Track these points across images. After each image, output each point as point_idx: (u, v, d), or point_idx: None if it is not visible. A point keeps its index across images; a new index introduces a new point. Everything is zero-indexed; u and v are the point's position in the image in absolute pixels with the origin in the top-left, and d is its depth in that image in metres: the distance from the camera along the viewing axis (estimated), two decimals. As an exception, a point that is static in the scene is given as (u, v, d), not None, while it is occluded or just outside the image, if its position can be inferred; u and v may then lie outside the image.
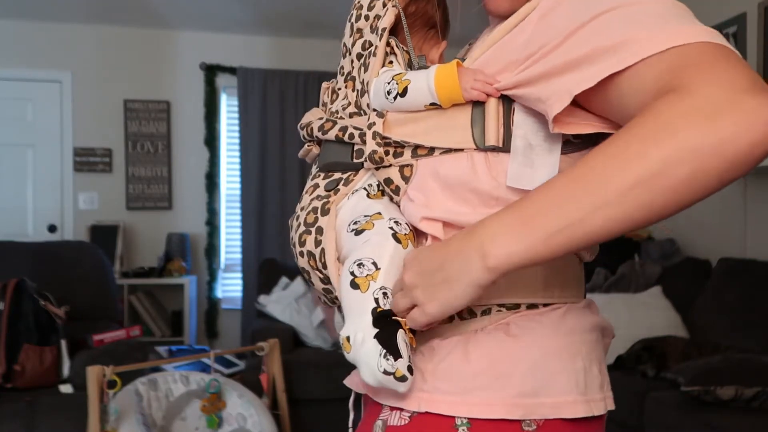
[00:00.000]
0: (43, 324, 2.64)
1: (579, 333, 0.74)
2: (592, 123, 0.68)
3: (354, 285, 0.71)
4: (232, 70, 4.63)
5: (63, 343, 2.67)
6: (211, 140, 4.62)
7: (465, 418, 0.69)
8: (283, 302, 3.57)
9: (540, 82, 0.67)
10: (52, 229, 4.44)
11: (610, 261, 3.39)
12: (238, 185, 4.68)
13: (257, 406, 2.47)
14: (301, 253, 0.81)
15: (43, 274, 2.99)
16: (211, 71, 4.63)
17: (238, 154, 4.69)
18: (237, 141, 4.71)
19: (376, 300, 0.69)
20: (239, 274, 4.67)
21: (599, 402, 0.74)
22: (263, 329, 3.28)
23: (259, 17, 4.38)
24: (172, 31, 4.61)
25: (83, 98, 4.48)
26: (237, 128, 4.68)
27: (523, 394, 0.69)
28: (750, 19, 3.04)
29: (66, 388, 2.58)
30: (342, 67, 0.88)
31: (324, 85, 0.92)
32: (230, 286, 4.77)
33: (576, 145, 0.72)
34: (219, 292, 4.69)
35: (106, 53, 4.51)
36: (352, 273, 0.72)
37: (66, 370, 2.64)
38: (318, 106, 0.93)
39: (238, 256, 4.71)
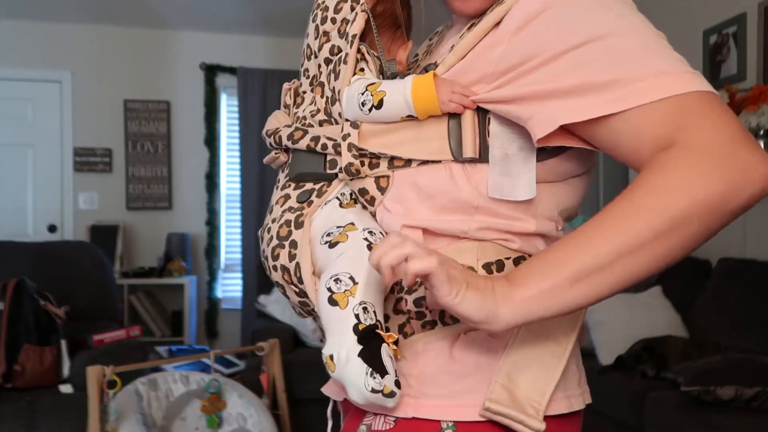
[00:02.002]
0: (43, 324, 2.64)
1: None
2: (573, 138, 0.69)
3: (332, 301, 0.69)
4: (232, 70, 4.63)
5: (63, 343, 2.67)
6: (211, 140, 4.62)
7: (451, 421, 0.69)
8: (283, 302, 3.56)
9: (521, 102, 0.67)
10: (52, 229, 4.44)
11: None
12: (238, 185, 4.68)
13: (257, 406, 2.46)
14: (275, 267, 0.78)
15: (43, 274, 2.99)
16: (211, 71, 4.63)
17: (238, 154, 4.69)
18: (237, 141, 4.71)
19: (357, 316, 0.67)
20: (239, 274, 4.67)
21: (578, 397, 0.75)
22: (263, 329, 3.28)
23: (259, 17, 4.38)
24: (172, 31, 4.61)
25: (83, 98, 4.48)
26: (237, 128, 4.68)
27: None
28: (750, 19, 3.04)
29: (66, 388, 2.58)
30: (307, 70, 0.85)
31: (285, 86, 0.88)
32: (230, 286, 4.77)
33: (549, 152, 0.72)
34: (219, 292, 4.69)
35: (106, 53, 4.51)
36: (329, 289, 0.69)
37: (66, 370, 2.64)
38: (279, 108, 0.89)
39: (238, 256, 4.71)
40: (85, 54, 4.48)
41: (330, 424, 0.87)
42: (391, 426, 0.71)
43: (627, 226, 0.61)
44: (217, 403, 2.42)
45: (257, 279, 4.11)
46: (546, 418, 0.70)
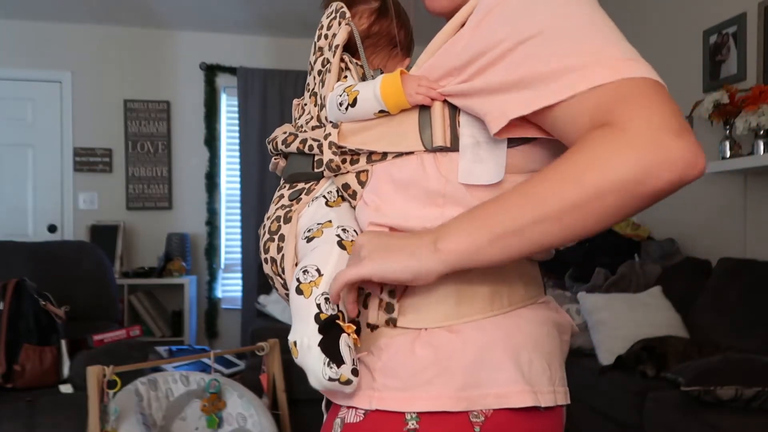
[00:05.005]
0: (43, 324, 2.64)
1: (524, 325, 0.76)
2: (535, 128, 0.72)
3: (299, 291, 0.74)
4: (232, 70, 4.63)
5: (63, 343, 2.66)
6: (211, 140, 4.62)
7: (414, 412, 0.72)
8: (283, 302, 3.57)
9: (478, 96, 0.71)
10: (52, 229, 4.44)
11: (610, 261, 3.38)
12: (238, 185, 4.68)
13: (257, 406, 2.47)
14: (266, 260, 0.86)
15: (43, 274, 2.99)
16: (211, 71, 4.63)
17: (238, 154, 4.69)
18: (237, 141, 4.71)
19: (318, 306, 0.72)
20: (239, 274, 4.67)
21: (547, 394, 0.75)
22: (263, 329, 3.28)
23: (259, 17, 4.38)
24: (172, 31, 4.61)
25: (83, 98, 4.49)
26: (237, 128, 4.69)
27: (467, 386, 0.72)
28: (750, 19, 3.04)
29: (66, 388, 2.58)
30: (308, 84, 0.94)
31: (295, 101, 0.98)
32: (230, 286, 4.77)
33: (520, 140, 0.75)
34: (219, 292, 4.69)
35: (106, 53, 4.52)
36: (297, 279, 0.75)
37: (66, 370, 2.64)
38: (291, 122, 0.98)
39: (238, 256, 4.71)
40: (85, 54, 4.48)
41: (325, 417, 0.89)
42: (361, 418, 0.74)
43: (543, 196, 0.64)
44: (217, 403, 2.42)
45: (257, 279, 4.12)
46: (512, 410, 0.72)
